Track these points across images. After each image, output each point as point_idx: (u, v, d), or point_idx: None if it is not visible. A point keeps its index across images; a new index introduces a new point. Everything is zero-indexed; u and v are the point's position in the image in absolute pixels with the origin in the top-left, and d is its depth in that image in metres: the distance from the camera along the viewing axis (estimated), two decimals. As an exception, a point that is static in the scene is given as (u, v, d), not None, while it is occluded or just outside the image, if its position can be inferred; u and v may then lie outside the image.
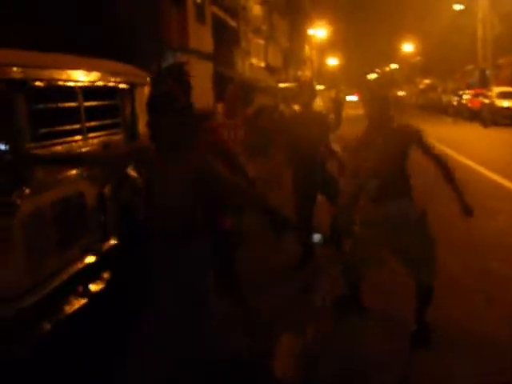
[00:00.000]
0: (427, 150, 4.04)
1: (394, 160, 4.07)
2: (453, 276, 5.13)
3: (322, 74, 69.64)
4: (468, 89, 31.06)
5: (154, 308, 3.02)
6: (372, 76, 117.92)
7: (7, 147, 3.63)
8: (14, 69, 3.81)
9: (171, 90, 2.94)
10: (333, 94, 26.35)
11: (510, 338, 4.02)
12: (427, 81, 48.70)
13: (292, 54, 47.84)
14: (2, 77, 3.69)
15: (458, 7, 41.80)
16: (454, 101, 30.45)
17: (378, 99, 4.13)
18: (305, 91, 5.86)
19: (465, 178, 10.14)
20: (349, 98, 58.37)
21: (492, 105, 23.25)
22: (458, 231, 6.30)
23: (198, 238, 2.98)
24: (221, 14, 23.83)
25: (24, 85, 3.88)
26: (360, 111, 5.17)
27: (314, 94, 5.91)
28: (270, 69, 36.25)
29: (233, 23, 26.62)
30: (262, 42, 35.51)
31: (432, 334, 3.99)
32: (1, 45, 4.04)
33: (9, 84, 3.76)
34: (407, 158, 4.08)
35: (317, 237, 6.09)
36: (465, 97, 28.47)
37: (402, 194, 4.08)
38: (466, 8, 40.38)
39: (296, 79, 34.32)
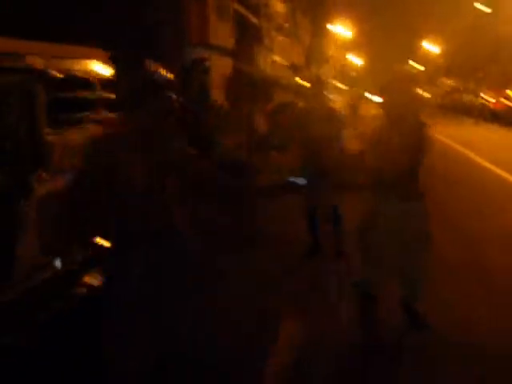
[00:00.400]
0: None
1: (410, 159, 3.94)
2: (461, 268, 5.24)
3: (344, 73, 69.35)
4: (491, 90, 30.81)
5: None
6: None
7: (26, 133, 3.80)
8: (36, 59, 4.00)
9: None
10: (354, 93, 26.43)
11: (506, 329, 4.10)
12: (450, 82, 48.38)
13: (314, 52, 47.72)
14: (21, 66, 3.87)
15: (480, 7, 41.38)
16: (476, 102, 30.26)
17: (398, 92, 3.92)
18: (314, 89, 6.03)
19: (481, 178, 10.25)
20: (373, 97, 57.79)
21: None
22: (471, 229, 6.37)
23: None
24: (242, 10, 23.93)
25: (43, 75, 4.05)
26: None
27: (321, 91, 6.03)
28: (293, 67, 36.27)
29: (255, 20, 26.71)
30: (285, 39, 35.53)
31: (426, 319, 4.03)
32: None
33: (29, 73, 3.94)
34: (423, 158, 3.98)
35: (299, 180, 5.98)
36: (487, 98, 28.28)
37: (411, 197, 3.99)
38: (490, 8, 40.04)
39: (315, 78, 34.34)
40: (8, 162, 3.69)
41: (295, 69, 36.73)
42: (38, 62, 4.06)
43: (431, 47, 72.64)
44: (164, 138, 2.90)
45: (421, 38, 77.35)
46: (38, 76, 3.99)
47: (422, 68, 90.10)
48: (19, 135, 3.79)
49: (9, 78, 3.93)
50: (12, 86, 3.90)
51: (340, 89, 59.72)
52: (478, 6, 42.36)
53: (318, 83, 6.10)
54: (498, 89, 30.22)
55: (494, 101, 26.82)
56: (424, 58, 79.28)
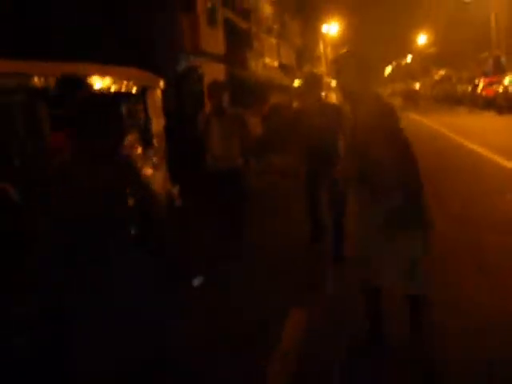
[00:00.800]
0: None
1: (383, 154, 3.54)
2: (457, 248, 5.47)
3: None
4: (483, 77, 30.99)
5: None
6: (387, 69, 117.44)
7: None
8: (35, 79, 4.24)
9: None
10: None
11: (500, 306, 4.22)
12: (442, 71, 48.60)
13: (305, 52, 48.06)
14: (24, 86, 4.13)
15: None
16: (469, 90, 30.47)
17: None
18: (306, 85, 6.09)
19: (476, 165, 10.46)
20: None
21: (506, 92, 23.26)
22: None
23: None
24: (232, 16, 24.20)
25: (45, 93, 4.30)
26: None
27: (315, 86, 5.96)
28: (283, 67, 36.55)
29: (244, 25, 26.99)
30: (274, 41, 35.82)
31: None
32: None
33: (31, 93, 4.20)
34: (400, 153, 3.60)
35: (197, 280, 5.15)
36: (479, 85, 28.48)
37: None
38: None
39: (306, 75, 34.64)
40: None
41: (285, 69, 37.00)
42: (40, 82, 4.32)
43: (422, 37, 73.05)
44: None
45: (410, 29, 77.73)
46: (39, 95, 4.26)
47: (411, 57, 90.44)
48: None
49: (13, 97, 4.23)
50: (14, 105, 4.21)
51: (333, 85, 59.98)
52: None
53: (313, 79, 6.09)
54: (491, 76, 30.44)
55: (485, 87, 27.04)
56: (416, 49, 79.59)
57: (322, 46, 63.25)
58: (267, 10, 32.92)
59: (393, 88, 76.91)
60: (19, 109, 4.28)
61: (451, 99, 35.70)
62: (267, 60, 32.64)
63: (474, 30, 43.03)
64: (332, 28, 60.00)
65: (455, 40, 50.06)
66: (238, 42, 24.96)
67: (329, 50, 66.73)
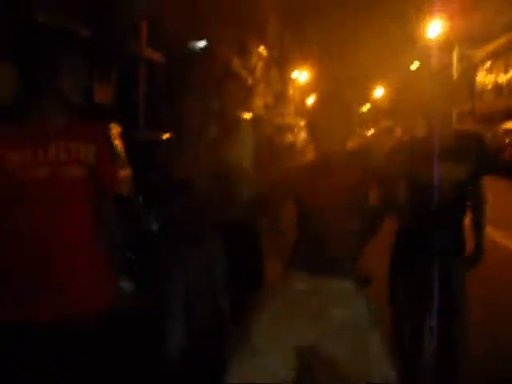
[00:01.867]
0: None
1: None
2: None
3: (303, 112, 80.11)
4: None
5: None
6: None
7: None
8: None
9: None
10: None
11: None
12: (387, 122, 59.06)
13: (281, 94, 58.29)
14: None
15: (413, 67, 52.83)
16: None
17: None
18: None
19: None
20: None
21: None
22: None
23: None
24: (242, 72, 33.64)
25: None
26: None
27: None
28: (267, 107, 46.43)
29: (250, 80, 36.26)
30: (260, 85, 45.71)
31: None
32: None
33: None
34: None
35: None
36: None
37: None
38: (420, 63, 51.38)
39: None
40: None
41: (268, 109, 46.87)
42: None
43: (379, 90, 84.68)
44: None
45: (371, 81, 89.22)
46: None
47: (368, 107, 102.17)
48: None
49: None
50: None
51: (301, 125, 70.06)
52: (414, 65, 53.75)
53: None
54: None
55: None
56: (373, 100, 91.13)
57: (291, 91, 73.66)
58: (259, 66, 42.84)
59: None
60: None
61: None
62: (257, 101, 42.30)
63: (418, 91, 53.89)
64: (300, 76, 70.45)
65: (403, 99, 61.14)
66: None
67: (297, 93, 77.08)
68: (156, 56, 17.60)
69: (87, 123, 2.96)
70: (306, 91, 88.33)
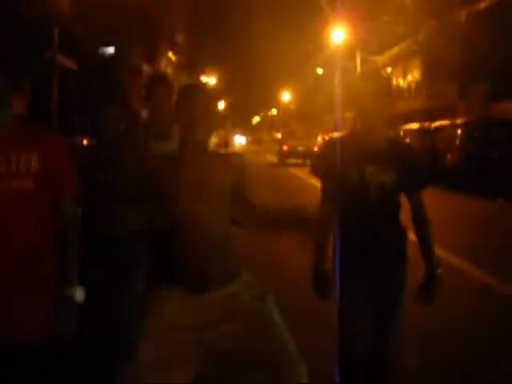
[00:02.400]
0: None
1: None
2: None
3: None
4: (323, 133, 42.56)
5: None
6: (256, 119, 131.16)
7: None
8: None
9: None
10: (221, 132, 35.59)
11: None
12: (293, 126, 60.90)
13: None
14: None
15: (319, 71, 54.68)
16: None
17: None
18: None
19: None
20: (237, 138, 68.27)
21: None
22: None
23: None
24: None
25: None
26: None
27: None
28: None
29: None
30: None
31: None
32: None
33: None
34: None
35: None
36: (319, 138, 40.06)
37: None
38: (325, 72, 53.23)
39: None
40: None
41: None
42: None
43: (285, 94, 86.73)
44: None
45: (276, 86, 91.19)
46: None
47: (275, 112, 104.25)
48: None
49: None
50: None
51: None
52: (318, 70, 55.57)
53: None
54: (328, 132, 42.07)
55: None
56: (281, 104, 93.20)
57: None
58: (169, 70, 42.93)
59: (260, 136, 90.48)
60: None
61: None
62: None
63: (324, 95, 55.82)
64: (210, 79, 71.01)
65: (310, 102, 63.03)
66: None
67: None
68: (69, 63, 17.46)
69: (26, 131, 2.78)
70: (213, 96, 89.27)
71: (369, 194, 3.32)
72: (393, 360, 3.36)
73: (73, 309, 2.73)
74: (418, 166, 3.53)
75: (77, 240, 2.82)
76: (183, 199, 2.84)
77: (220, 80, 77.13)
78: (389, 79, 3.91)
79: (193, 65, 58.43)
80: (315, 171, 3.60)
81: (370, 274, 3.38)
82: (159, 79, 4.49)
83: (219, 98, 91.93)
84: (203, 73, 68.39)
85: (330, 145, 3.66)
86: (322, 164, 3.55)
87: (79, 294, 2.76)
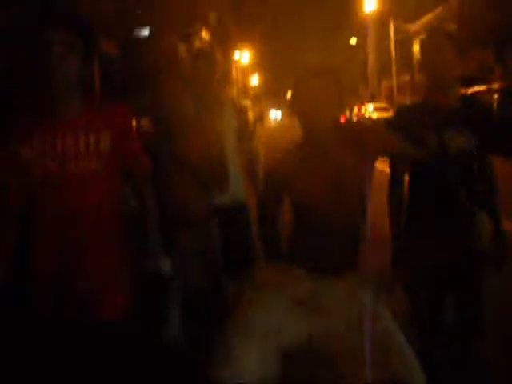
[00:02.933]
0: None
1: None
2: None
3: (247, 93, 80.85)
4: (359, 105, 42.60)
5: None
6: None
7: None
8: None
9: None
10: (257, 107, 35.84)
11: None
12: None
13: (226, 77, 58.87)
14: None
15: (352, 41, 54.40)
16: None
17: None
18: None
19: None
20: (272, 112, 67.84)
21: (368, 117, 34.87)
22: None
23: None
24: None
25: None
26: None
27: None
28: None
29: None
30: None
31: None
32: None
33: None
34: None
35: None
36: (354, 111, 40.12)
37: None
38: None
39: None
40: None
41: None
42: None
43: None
44: None
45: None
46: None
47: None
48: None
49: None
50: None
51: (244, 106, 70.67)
52: (351, 40, 55.26)
53: None
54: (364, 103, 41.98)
55: (357, 112, 38.62)
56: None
57: (234, 72, 74.22)
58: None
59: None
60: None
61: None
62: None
63: (357, 66, 55.45)
64: (243, 56, 71.01)
65: (344, 73, 62.62)
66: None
67: (239, 74, 77.70)
68: (110, 47, 17.62)
69: (95, 112, 2.77)
70: (248, 72, 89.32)
71: (447, 159, 3.10)
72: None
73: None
74: (490, 123, 3.25)
75: (155, 213, 2.84)
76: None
77: (253, 55, 77.06)
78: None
79: (225, 41, 58.67)
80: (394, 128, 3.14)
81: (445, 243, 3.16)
82: (204, 55, 4.40)
83: (253, 73, 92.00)
84: (237, 48, 68.48)
85: (405, 110, 3.54)
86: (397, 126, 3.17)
87: (165, 265, 2.82)
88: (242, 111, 4.65)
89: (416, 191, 3.24)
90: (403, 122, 3.17)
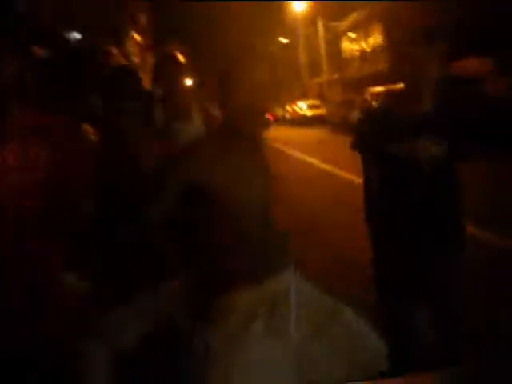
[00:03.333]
0: None
1: None
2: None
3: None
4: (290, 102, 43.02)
5: None
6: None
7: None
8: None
9: None
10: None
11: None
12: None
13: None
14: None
15: (284, 40, 55.17)
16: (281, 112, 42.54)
17: None
18: None
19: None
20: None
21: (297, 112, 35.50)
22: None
23: None
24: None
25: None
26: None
27: None
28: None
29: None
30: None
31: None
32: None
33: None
34: None
35: None
36: (288, 109, 40.62)
37: None
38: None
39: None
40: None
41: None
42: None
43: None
44: None
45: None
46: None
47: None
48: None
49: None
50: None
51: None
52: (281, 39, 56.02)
53: None
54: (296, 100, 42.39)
55: (291, 110, 39.10)
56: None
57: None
58: (136, 52, 43.02)
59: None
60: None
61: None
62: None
63: (289, 64, 56.23)
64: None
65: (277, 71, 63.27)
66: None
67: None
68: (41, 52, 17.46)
69: (31, 118, 2.65)
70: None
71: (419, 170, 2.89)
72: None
73: None
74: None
75: None
76: None
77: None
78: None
79: (158, 44, 58.45)
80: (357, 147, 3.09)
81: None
82: (169, 57, 4.16)
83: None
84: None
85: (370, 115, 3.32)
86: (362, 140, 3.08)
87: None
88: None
89: (389, 199, 3.03)
90: (372, 136, 3.00)
